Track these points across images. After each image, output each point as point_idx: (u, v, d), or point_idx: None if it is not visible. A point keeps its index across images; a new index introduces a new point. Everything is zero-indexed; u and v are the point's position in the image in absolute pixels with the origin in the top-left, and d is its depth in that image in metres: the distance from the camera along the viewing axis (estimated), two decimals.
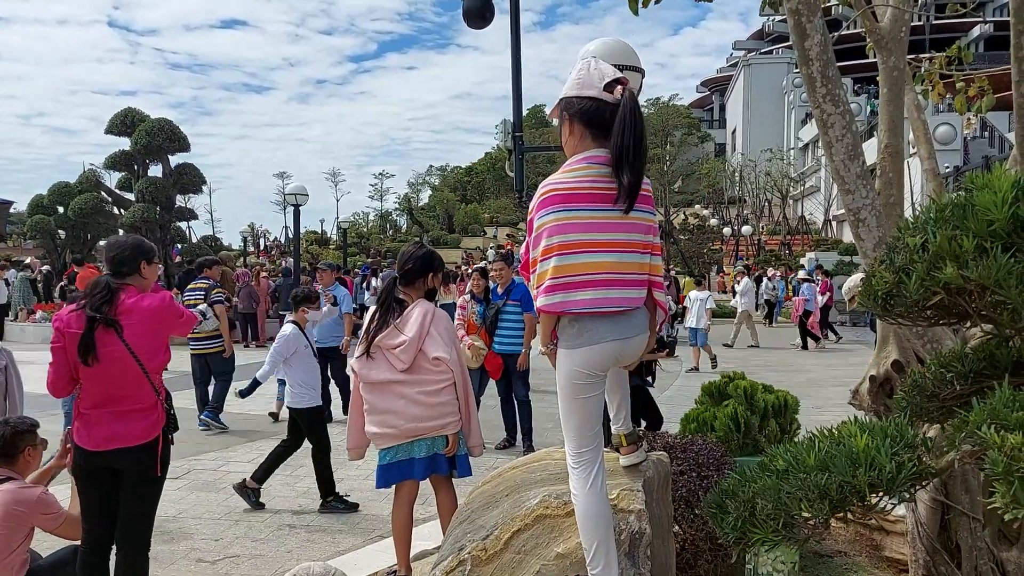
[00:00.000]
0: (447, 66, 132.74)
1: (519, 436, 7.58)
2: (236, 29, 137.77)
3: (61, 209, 24.10)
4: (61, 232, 24.67)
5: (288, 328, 5.98)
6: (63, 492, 3.84)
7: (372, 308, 4.18)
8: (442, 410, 3.94)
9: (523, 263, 2.68)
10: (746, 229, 39.18)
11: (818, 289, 17.46)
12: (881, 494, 2.04)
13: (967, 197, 1.94)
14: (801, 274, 20.17)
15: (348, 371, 5.60)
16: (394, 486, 4.08)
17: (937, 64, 3.93)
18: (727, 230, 39.72)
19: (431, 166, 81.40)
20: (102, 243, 25.05)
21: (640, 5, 3.43)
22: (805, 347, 16.69)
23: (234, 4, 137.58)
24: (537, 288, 2.54)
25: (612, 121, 2.52)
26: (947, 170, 23.86)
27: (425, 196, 73.11)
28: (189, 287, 9.23)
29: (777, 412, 4.72)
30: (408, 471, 3.98)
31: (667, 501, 3.20)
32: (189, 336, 8.68)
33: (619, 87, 2.58)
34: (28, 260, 24.86)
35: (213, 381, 8.80)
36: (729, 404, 4.65)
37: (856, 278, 6.04)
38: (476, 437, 4.20)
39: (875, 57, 3.14)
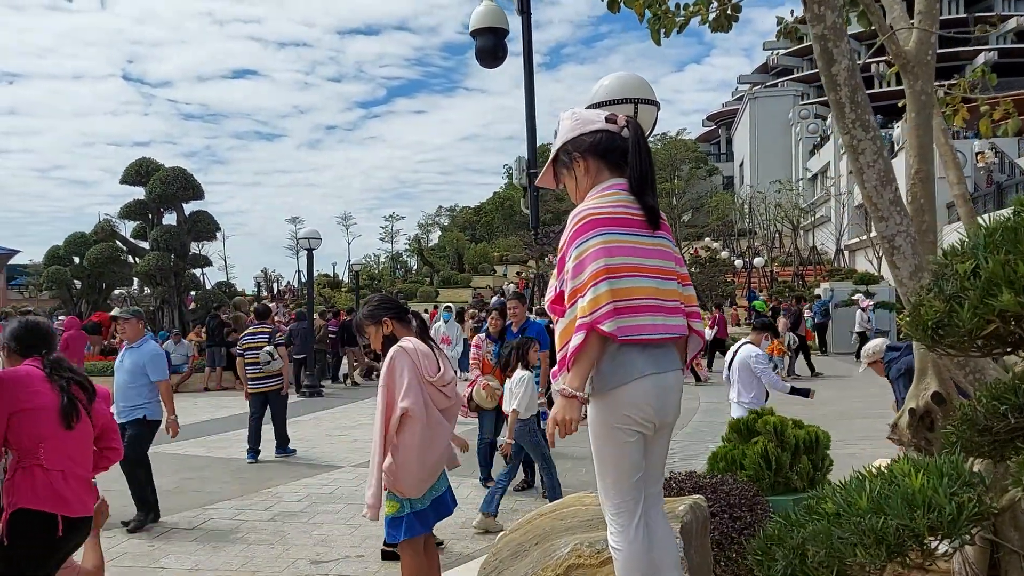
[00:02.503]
0: (455, 109, 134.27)
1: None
2: (247, 79, 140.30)
3: (77, 259, 24.29)
4: (77, 282, 24.83)
5: None
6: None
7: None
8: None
9: (554, 298, 2.48)
10: (758, 261, 38.98)
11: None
12: (940, 536, 1.93)
13: (1016, 220, 1.86)
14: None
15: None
16: (405, 539, 3.77)
17: (960, 87, 3.87)
18: (738, 262, 39.51)
19: (440, 207, 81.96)
20: (117, 291, 25.21)
21: (663, 35, 3.40)
22: (698, 379, 16.07)
23: (245, 55, 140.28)
24: (591, 314, 2.27)
25: (625, 148, 2.48)
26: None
27: (435, 237, 73.48)
28: (249, 332, 9.54)
29: (808, 448, 4.56)
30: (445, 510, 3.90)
31: (706, 547, 3.06)
32: (251, 376, 9.22)
33: (620, 116, 2.55)
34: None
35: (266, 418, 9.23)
36: (759, 441, 4.50)
37: (878, 342, 6.26)
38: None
39: (898, 84, 3.08)
